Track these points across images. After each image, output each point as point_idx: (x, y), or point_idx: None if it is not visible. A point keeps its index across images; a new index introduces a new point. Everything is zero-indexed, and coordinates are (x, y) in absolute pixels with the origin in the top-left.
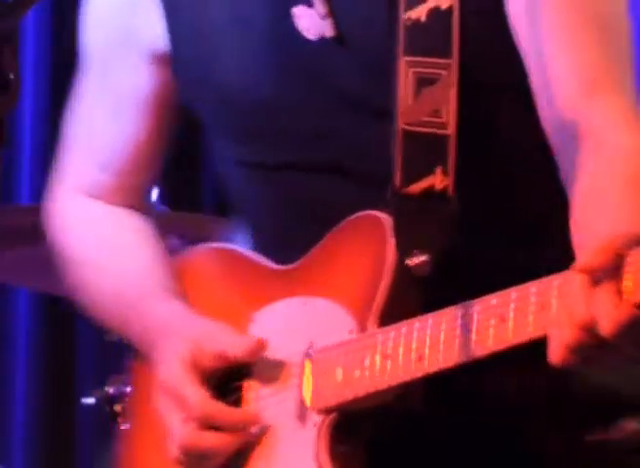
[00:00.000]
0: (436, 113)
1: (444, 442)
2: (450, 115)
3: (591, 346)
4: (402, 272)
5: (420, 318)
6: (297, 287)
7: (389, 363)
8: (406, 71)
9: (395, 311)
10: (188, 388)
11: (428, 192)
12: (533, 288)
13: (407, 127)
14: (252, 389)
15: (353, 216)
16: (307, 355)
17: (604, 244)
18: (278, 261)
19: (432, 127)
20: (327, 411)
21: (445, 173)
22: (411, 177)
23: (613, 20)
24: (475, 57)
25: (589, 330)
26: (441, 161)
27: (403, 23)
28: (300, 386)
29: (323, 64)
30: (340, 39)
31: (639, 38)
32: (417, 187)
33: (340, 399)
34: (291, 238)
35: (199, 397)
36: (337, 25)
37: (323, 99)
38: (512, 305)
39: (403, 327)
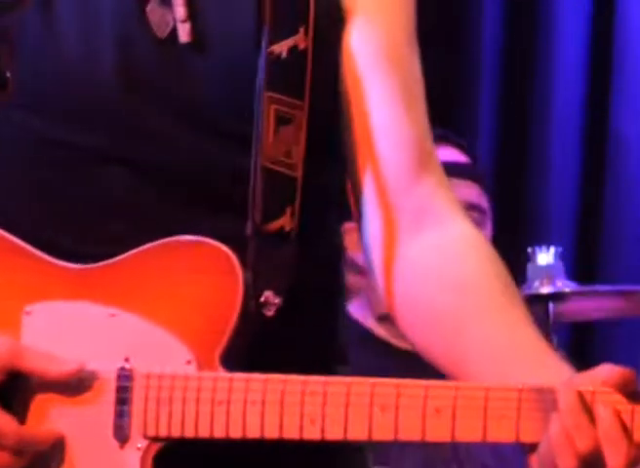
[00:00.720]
0: (288, 154)
1: None
2: (299, 157)
3: None
4: (250, 311)
5: (274, 376)
6: (98, 293)
7: (227, 413)
8: (268, 107)
9: (238, 349)
10: None
11: (280, 233)
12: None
13: (267, 164)
14: (41, 399)
15: (190, 240)
16: (125, 373)
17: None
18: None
19: (284, 167)
20: (154, 439)
21: (292, 215)
22: (267, 216)
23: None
24: (323, 102)
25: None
26: (290, 202)
27: (267, 57)
28: (114, 404)
29: (173, 67)
30: (195, 46)
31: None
32: (272, 226)
33: (173, 433)
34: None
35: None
36: (194, 32)
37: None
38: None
39: (254, 380)
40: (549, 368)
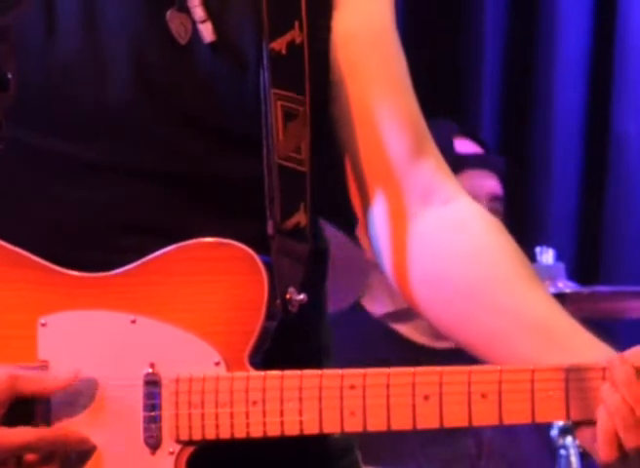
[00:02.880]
0: (298, 150)
1: None
2: (307, 153)
3: None
4: (276, 309)
5: (310, 372)
6: (117, 300)
7: (264, 413)
8: (275, 103)
9: (262, 347)
10: None
11: (297, 229)
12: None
13: (280, 161)
14: (66, 412)
15: (211, 241)
16: (152, 379)
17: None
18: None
19: (295, 163)
20: (187, 443)
21: (306, 210)
22: (285, 213)
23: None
24: (321, 94)
25: None
26: (303, 198)
27: (268, 55)
28: (143, 411)
29: (199, 68)
30: (217, 45)
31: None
32: (290, 223)
33: (207, 435)
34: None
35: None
36: (216, 30)
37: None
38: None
39: (289, 377)
40: (587, 338)
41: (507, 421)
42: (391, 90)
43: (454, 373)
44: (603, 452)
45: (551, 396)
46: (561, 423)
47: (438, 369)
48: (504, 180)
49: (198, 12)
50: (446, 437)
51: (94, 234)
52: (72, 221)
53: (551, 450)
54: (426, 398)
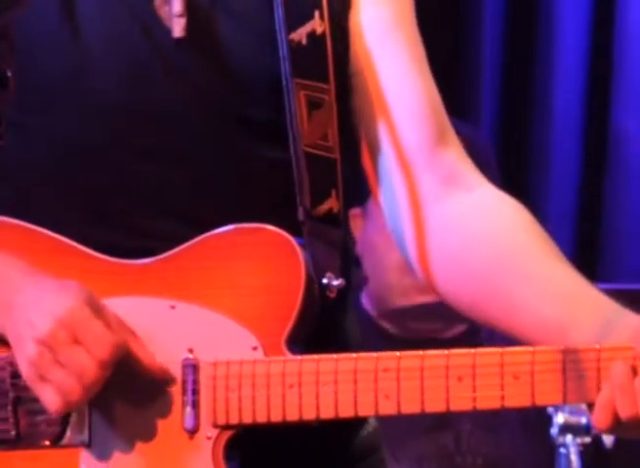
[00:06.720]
0: (325, 137)
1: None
2: (335, 139)
3: None
4: (314, 294)
5: (345, 355)
6: (157, 286)
7: (300, 396)
8: (298, 93)
9: (301, 333)
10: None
11: (329, 215)
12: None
13: (308, 149)
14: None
15: (248, 227)
16: (190, 363)
17: None
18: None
19: (323, 150)
20: (224, 427)
21: (337, 196)
22: (316, 200)
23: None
24: (346, 82)
25: None
26: (334, 184)
27: (289, 46)
28: (182, 395)
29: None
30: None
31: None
32: (321, 209)
33: (244, 419)
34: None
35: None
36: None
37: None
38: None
39: (325, 360)
40: (615, 307)
41: (540, 402)
42: (413, 77)
43: (486, 355)
44: (596, 418)
45: (583, 375)
46: (561, 421)
47: (472, 350)
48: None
49: (176, 5)
50: (424, 433)
51: (123, 219)
52: (100, 206)
53: (547, 449)
54: (460, 379)
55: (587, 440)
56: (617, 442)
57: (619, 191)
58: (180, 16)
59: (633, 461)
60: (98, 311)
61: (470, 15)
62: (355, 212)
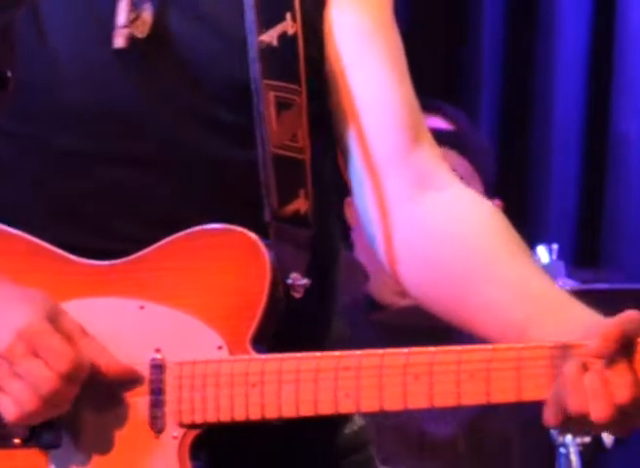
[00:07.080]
0: (294, 138)
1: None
2: (305, 141)
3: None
4: (278, 294)
5: (307, 354)
6: (126, 287)
7: (262, 394)
8: (266, 94)
9: (267, 331)
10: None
11: (296, 216)
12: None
13: (275, 150)
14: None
15: (215, 228)
16: (157, 363)
17: (613, 330)
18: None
19: (292, 151)
20: (190, 427)
21: (306, 197)
22: (283, 200)
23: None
24: (317, 83)
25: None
26: (303, 185)
27: (259, 47)
28: (149, 394)
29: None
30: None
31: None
32: (288, 210)
33: (208, 418)
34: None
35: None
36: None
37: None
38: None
39: (287, 360)
40: (581, 309)
41: (495, 400)
42: (388, 79)
43: (445, 353)
44: (546, 415)
45: (537, 373)
46: None
47: (432, 349)
48: (476, 162)
49: (121, 17)
50: (393, 430)
51: (95, 222)
52: (73, 209)
53: (549, 448)
54: (417, 377)
55: (587, 440)
56: (616, 442)
57: (619, 191)
58: (125, 27)
59: (633, 461)
60: (58, 324)
61: (470, 15)
62: (351, 200)
